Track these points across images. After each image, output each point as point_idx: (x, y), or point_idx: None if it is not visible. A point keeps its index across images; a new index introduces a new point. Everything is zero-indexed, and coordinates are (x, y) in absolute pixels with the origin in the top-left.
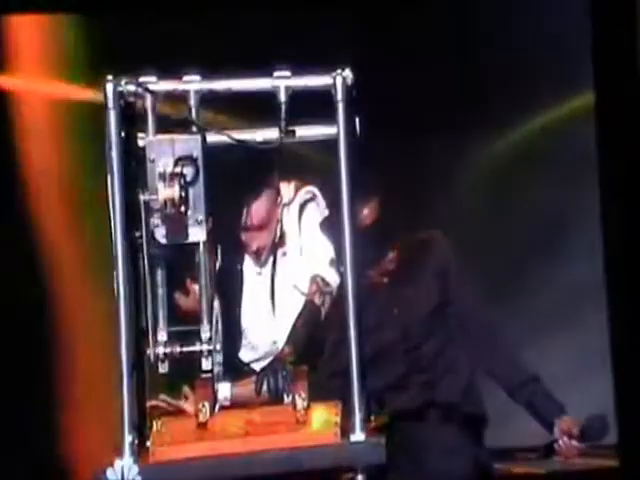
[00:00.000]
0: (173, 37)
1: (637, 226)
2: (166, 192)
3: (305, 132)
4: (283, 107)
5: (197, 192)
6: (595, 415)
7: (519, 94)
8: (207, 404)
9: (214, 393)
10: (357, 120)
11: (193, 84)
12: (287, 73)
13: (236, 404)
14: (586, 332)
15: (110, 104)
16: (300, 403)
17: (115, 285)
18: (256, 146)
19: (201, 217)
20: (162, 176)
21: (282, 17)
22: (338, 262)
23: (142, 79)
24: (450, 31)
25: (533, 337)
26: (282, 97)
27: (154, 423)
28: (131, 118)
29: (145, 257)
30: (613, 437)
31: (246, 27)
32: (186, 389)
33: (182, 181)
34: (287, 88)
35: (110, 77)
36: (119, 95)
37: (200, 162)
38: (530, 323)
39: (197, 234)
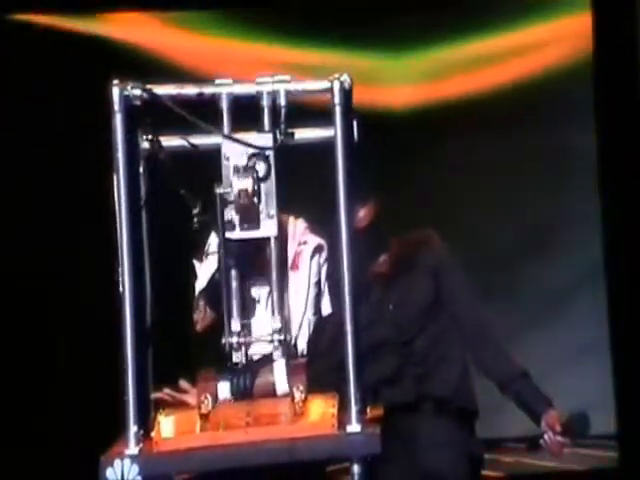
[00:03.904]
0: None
1: (636, 222)
2: (240, 184)
3: (303, 135)
4: (282, 110)
5: (269, 187)
6: (577, 412)
7: (518, 93)
8: (209, 396)
9: (216, 386)
10: (355, 123)
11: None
12: (286, 77)
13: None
14: (585, 325)
15: (116, 107)
16: (298, 395)
17: (120, 281)
18: (254, 148)
19: (273, 211)
20: (236, 170)
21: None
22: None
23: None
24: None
25: (533, 332)
26: (282, 101)
27: (157, 415)
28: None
29: (221, 250)
30: (612, 428)
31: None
32: (184, 383)
33: (255, 175)
34: (286, 92)
35: (116, 81)
36: (125, 99)
37: (272, 158)
38: (530, 317)
39: (269, 228)
